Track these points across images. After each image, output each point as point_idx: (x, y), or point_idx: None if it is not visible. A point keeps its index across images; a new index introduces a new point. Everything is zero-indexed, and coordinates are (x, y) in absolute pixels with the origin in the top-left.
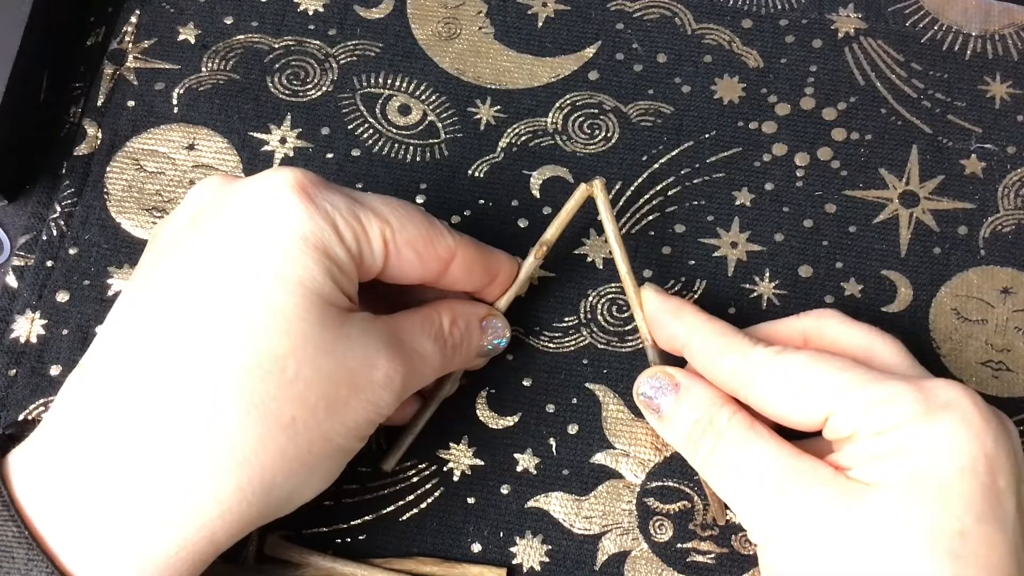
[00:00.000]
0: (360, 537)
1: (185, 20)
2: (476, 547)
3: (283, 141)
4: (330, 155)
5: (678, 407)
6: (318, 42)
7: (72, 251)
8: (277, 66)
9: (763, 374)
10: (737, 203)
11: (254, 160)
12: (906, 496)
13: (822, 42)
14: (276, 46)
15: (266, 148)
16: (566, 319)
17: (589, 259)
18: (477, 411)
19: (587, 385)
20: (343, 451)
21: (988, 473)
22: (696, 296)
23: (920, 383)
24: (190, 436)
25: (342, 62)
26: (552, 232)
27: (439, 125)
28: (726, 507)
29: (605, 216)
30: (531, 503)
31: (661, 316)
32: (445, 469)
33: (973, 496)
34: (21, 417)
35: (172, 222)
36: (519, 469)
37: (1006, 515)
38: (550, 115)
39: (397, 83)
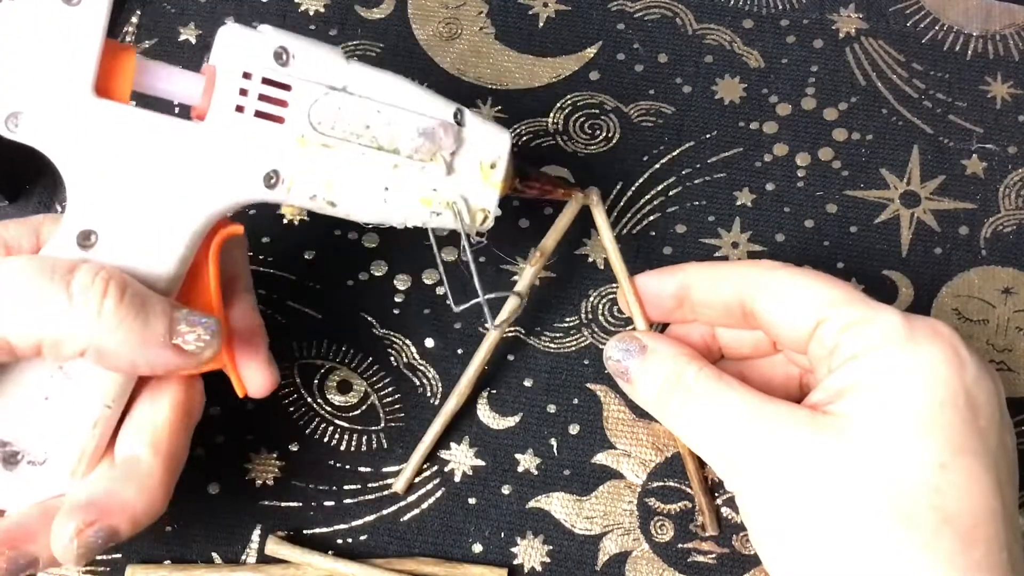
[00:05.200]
0: (361, 538)
1: (186, 20)
2: (477, 547)
3: None
4: None
5: (645, 367)
6: None
7: None
8: None
9: (769, 278)
10: (738, 203)
11: None
12: (883, 428)
13: (823, 42)
14: None
15: None
16: (567, 319)
17: (590, 259)
18: (478, 411)
19: (588, 385)
20: None
21: (969, 408)
22: None
23: (907, 314)
24: None
25: None
26: (549, 241)
27: None
28: (719, 518)
29: (602, 226)
30: (532, 503)
31: (661, 279)
32: (446, 470)
33: (954, 429)
34: None
35: None
36: (520, 469)
37: (988, 451)
38: (551, 115)
39: None
